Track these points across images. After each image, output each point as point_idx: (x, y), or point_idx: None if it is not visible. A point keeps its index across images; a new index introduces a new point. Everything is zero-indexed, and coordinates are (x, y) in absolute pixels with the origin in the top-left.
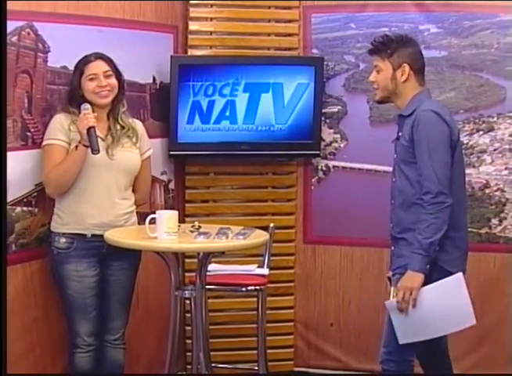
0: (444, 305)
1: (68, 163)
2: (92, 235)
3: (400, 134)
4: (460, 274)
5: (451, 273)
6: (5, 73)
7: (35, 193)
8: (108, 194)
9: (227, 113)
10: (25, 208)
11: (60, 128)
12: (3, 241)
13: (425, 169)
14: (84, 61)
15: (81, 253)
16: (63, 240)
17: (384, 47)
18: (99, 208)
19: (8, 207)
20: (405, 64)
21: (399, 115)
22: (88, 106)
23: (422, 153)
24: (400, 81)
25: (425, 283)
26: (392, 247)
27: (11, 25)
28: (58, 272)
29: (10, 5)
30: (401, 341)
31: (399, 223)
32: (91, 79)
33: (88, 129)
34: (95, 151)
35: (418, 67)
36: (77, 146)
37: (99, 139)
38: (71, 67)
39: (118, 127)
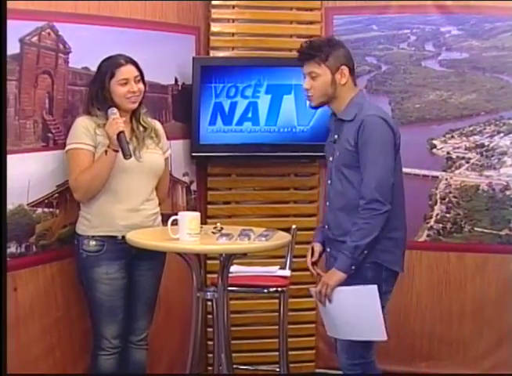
0: (353, 311)
1: (97, 168)
2: (123, 237)
3: (336, 137)
4: (374, 287)
5: (396, 273)
6: (4, 74)
7: (56, 195)
8: (137, 196)
9: (249, 115)
10: (46, 209)
11: (85, 132)
12: (3, 243)
13: (366, 174)
14: (115, 64)
15: (112, 255)
16: (92, 242)
17: (317, 52)
18: (129, 210)
19: (28, 208)
20: (343, 66)
21: (338, 119)
22: (115, 110)
23: (366, 159)
24: (340, 84)
25: (372, 281)
26: (328, 249)
27: (31, 25)
28: (87, 276)
29: (29, 5)
30: (328, 333)
31: (339, 226)
32: (123, 84)
33: (118, 134)
34: (127, 156)
35: (352, 67)
36: (106, 151)
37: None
38: (93, 68)
39: (141, 128)
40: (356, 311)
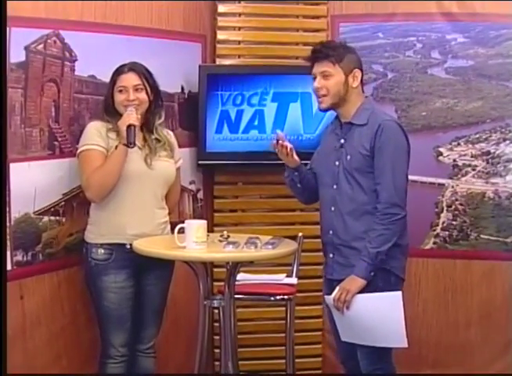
0: (376, 317)
1: (109, 164)
2: (131, 245)
3: (343, 141)
4: (399, 293)
5: (402, 280)
6: (5, 77)
7: (63, 203)
8: (147, 204)
9: (255, 123)
10: (52, 218)
11: (98, 134)
12: (3, 245)
13: (384, 178)
14: (118, 72)
15: (120, 264)
16: (101, 251)
17: (334, 52)
18: (138, 218)
19: (35, 216)
20: (356, 69)
21: (346, 123)
22: (133, 108)
23: (384, 163)
24: (352, 86)
25: (382, 289)
26: (331, 255)
27: (36, 33)
28: (95, 284)
29: (36, 13)
30: (342, 338)
31: (348, 231)
32: (121, 91)
33: (128, 126)
34: (131, 145)
35: (362, 73)
36: (117, 146)
37: (135, 145)
38: (99, 76)
39: (153, 138)
40: (378, 318)
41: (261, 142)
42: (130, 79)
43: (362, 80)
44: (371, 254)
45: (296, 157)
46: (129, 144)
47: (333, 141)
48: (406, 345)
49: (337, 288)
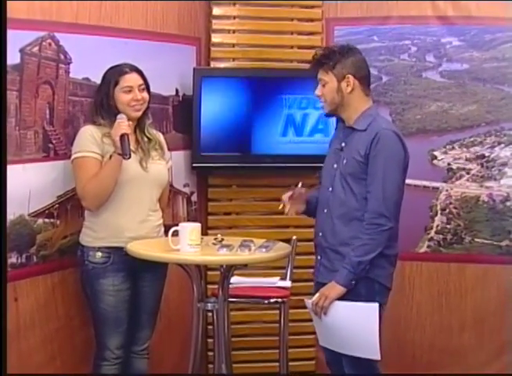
0: (350, 326)
1: (104, 173)
2: None
3: (344, 144)
4: (376, 305)
5: (388, 289)
6: (5, 79)
7: (57, 205)
8: (143, 207)
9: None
10: (47, 220)
11: (92, 140)
12: (3, 252)
13: (374, 188)
14: (119, 72)
15: (118, 267)
16: (99, 254)
17: (326, 59)
18: (135, 221)
19: (29, 218)
20: (348, 75)
21: (347, 127)
22: (124, 115)
23: (376, 171)
24: (346, 92)
25: (365, 297)
26: (319, 257)
27: (31, 35)
28: (92, 287)
29: (31, 15)
30: (320, 343)
31: (335, 235)
32: (126, 91)
33: (121, 136)
34: (126, 156)
35: (362, 76)
36: (111, 156)
37: (131, 153)
38: (93, 79)
39: (146, 139)
40: (353, 327)
41: (262, 144)
42: (134, 79)
43: (364, 83)
44: (353, 262)
45: (300, 207)
46: (124, 155)
47: (336, 144)
48: (379, 358)
49: (318, 293)
